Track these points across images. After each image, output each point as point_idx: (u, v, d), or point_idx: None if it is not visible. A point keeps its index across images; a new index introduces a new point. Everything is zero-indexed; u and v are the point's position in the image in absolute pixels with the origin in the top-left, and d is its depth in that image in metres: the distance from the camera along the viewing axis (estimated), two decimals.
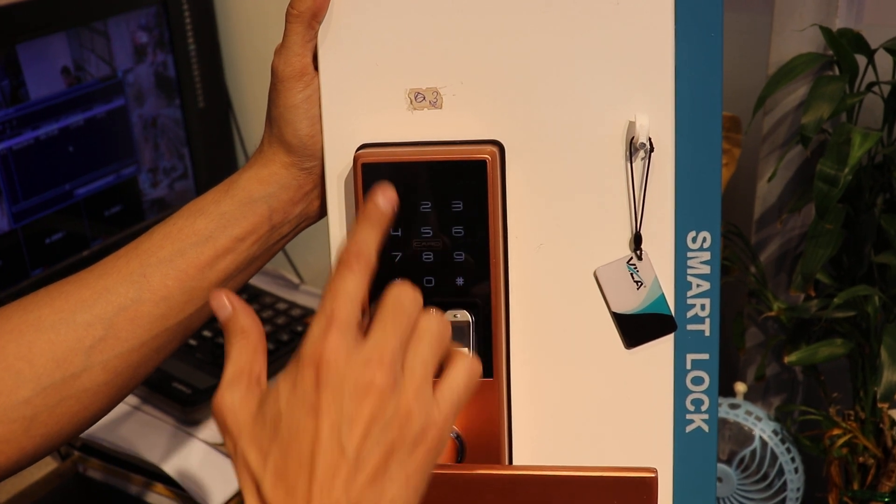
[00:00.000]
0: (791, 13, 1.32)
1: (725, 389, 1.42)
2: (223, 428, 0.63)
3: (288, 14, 0.80)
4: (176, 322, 0.81)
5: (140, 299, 0.80)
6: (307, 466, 0.59)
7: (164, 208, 1.57)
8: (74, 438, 0.82)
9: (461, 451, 0.82)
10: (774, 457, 1.32)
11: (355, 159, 0.79)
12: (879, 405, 1.27)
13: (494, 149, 0.80)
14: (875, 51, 1.26)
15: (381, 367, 0.62)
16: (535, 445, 0.86)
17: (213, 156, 1.65)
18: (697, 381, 0.85)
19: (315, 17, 0.80)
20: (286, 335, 1.45)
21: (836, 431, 1.29)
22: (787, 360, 1.31)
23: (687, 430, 0.86)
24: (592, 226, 0.82)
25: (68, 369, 0.78)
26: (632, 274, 0.82)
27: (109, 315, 0.79)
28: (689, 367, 0.85)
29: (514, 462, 0.86)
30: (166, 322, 0.81)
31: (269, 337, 1.45)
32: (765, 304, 1.37)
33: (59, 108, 1.40)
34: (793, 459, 1.33)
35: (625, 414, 0.85)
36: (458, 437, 0.82)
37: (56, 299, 0.79)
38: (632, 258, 0.82)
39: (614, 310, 0.83)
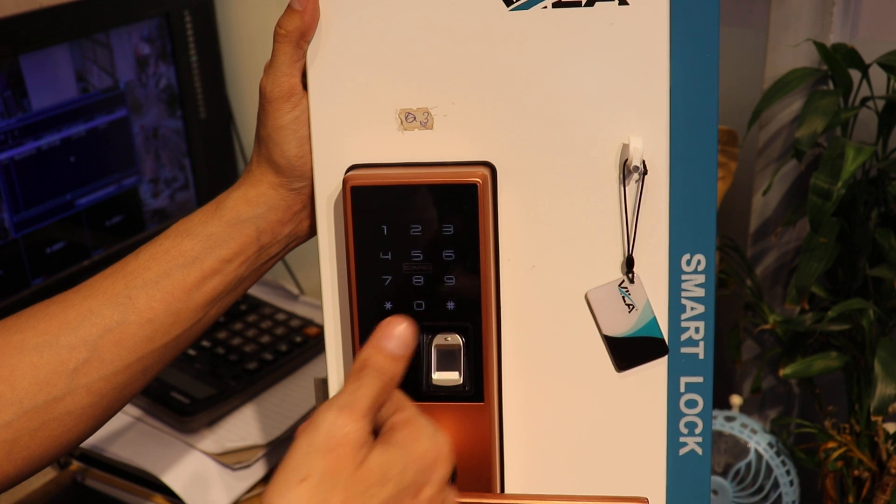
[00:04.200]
0: (786, 28, 1.29)
1: (721, 402, 1.39)
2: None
3: (276, 34, 0.77)
4: (162, 344, 0.78)
5: (125, 321, 0.76)
6: None
7: (165, 219, 1.54)
8: (58, 460, 0.79)
9: (452, 475, 0.79)
10: (770, 469, 1.29)
11: (345, 182, 0.75)
12: (873, 418, 1.24)
13: (486, 171, 0.76)
14: (869, 66, 1.24)
15: None
16: (526, 470, 0.83)
17: (213, 167, 1.62)
18: (691, 403, 0.82)
19: (303, 37, 0.77)
20: (285, 346, 1.42)
21: (831, 444, 1.27)
22: (782, 372, 1.28)
23: (680, 453, 0.83)
24: (585, 248, 0.79)
25: (51, 392, 0.75)
26: (623, 297, 0.79)
27: (94, 337, 0.76)
28: (682, 389, 0.82)
29: (506, 487, 0.83)
30: (152, 344, 0.78)
31: (268, 348, 1.42)
32: (760, 316, 1.34)
33: (61, 119, 1.37)
34: (788, 472, 1.30)
35: (617, 438, 0.83)
36: None
37: (40, 321, 0.76)
38: (623, 281, 0.79)
39: (605, 333, 0.80)
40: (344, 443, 0.62)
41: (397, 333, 0.68)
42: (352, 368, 0.67)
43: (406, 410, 0.68)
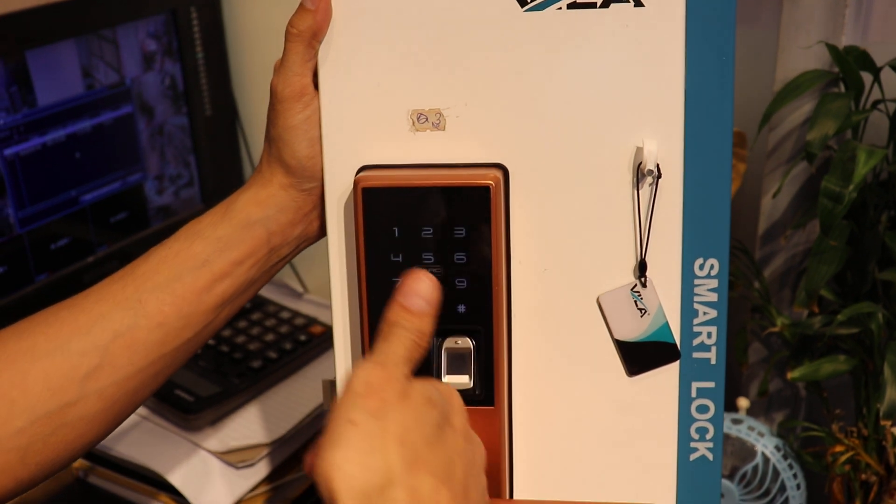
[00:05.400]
0: (797, 30, 1.29)
1: (728, 405, 1.38)
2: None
3: (287, 33, 0.76)
4: (173, 347, 0.78)
5: (136, 325, 0.76)
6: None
7: (170, 215, 1.54)
8: (72, 464, 0.79)
9: None
10: (776, 473, 1.29)
11: (356, 183, 0.75)
12: (882, 422, 1.24)
13: (498, 173, 0.76)
14: (881, 68, 1.23)
15: None
16: (536, 474, 0.83)
17: (218, 164, 1.61)
18: (702, 409, 0.82)
19: (315, 37, 0.76)
20: (289, 344, 1.41)
21: (838, 448, 1.26)
22: (790, 375, 1.28)
23: (691, 459, 0.83)
24: (598, 252, 0.78)
25: (63, 398, 0.74)
26: (636, 301, 0.78)
27: (105, 342, 0.75)
28: (694, 395, 0.81)
29: (515, 492, 0.82)
30: (163, 348, 0.77)
31: (272, 346, 1.41)
32: (768, 319, 1.34)
33: (66, 115, 1.36)
34: (795, 476, 1.29)
35: (628, 442, 0.82)
36: None
37: (51, 326, 0.76)
38: (636, 285, 0.78)
39: (617, 337, 0.79)
40: (384, 386, 0.62)
41: (421, 292, 0.67)
42: (379, 330, 0.67)
43: None
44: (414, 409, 0.62)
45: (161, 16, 1.48)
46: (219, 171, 1.61)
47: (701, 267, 0.79)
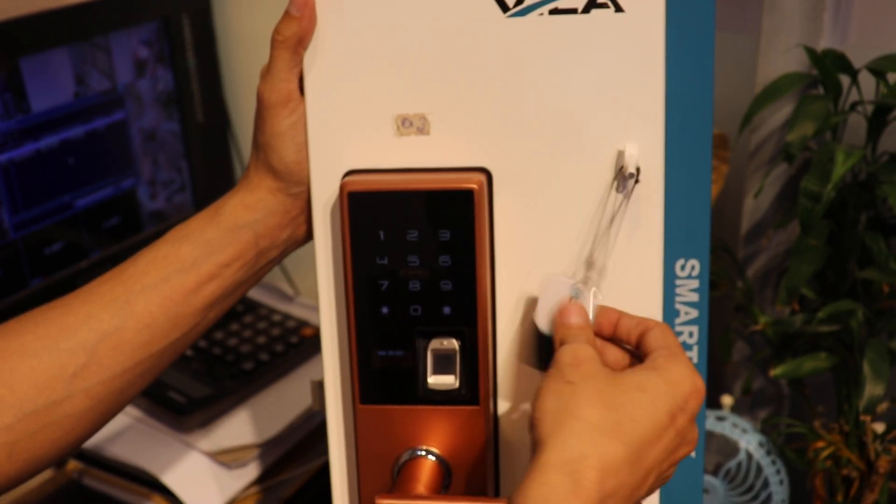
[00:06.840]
0: (777, 33, 1.28)
1: (713, 402, 1.38)
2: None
3: (273, 40, 0.75)
4: (160, 348, 0.77)
5: (123, 326, 0.75)
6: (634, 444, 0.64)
7: (162, 220, 1.53)
8: (59, 461, 0.78)
9: (448, 478, 0.78)
10: (760, 469, 1.29)
11: (342, 187, 0.74)
12: (862, 418, 1.23)
13: (482, 177, 0.75)
14: (858, 71, 1.23)
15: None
16: (521, 473, 0.82)
17: (210, 169, 1.60)
18: None
19: (301, 43, 0.75)
20: (281, 346, 1.41)
21: (820, 444, 1.26)
22: (772, 373, 1.27)
23: None
24: (580, 253, 0.77)
25: (50, 396, 0.74)
26: (572, 297, 0.75)
27: (92, 342, 0.75)
28: None
29: (501, 490, 0.81)
30: (150, 348, 0.77)
31: (264, 348, 1.40)
32: (751, 318, 1.33)
33: (60, 121, 1.36)
34: (778, 471, 1.29)
35: None
36: (444, 464, 0.78)
37: (39, 325, 0.75)
38: (579, 283, 0.76)
39: (540, 325, 0.76)
40: (586, 358, 0.68)
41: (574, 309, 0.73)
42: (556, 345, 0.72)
43: (672, 348, 0.70)
44: (621, 387, 0.67)
45: (153, 23, 1.48)
46: (211, 175, 1.60)
47: (682, 268, 0.79)
